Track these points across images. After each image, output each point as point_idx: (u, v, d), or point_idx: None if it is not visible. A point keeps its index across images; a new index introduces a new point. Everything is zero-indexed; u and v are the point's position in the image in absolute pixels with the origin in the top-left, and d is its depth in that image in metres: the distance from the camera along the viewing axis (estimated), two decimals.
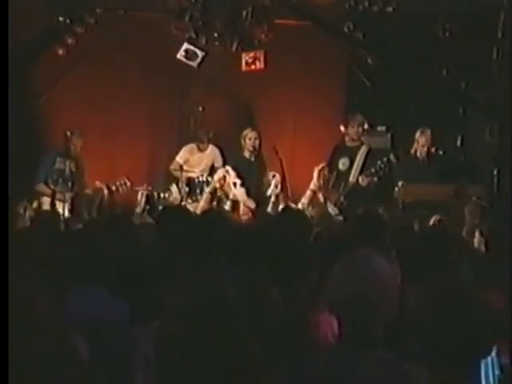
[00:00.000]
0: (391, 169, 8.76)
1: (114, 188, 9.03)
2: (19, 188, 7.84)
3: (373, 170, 8.60)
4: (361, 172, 8.80)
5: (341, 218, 8.39)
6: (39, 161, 9.32)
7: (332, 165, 9.03)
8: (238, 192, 9.11)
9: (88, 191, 9.12)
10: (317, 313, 3.34)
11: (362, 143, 9.05)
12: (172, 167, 9.64)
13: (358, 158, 8.89)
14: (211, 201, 9.12)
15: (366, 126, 9.21)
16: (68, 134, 9.20)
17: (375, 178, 8.59)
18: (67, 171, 9.22)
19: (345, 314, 2.51)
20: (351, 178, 8.79)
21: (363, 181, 8.68)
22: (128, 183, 9.07)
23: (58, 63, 9.71)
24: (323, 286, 2.69)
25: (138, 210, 8.93)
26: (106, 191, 9.03)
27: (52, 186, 9.04)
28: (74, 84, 9.74)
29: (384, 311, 2.50)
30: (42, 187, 9.10)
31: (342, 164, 8.99)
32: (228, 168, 9.20)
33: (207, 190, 9.10)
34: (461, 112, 8.70)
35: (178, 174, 9.48)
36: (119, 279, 3.83)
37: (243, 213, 8.94)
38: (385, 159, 8.55)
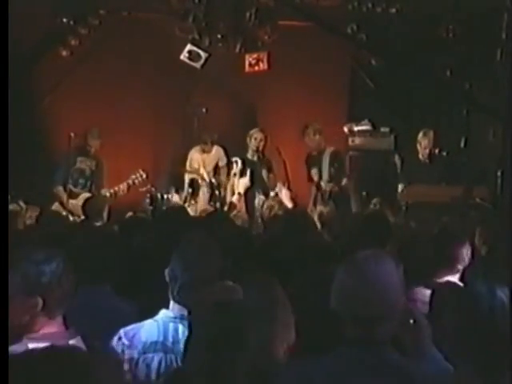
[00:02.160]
0: (395, 170, 8.78)
1: (130, 182, 9.05)
2: (20, 189, 7.86)
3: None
4: (330, 179, 8.88)
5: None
6: (57, 163, 9.35)
7: (309, 177, 9.14)
8: (242, 182, 9.17)
9: (105, 190, 9.14)
10: None
11: (325, 149, 9.10)
12: (188, 169, 9.64)
13: (323, 165, 8.94)
14: (210, 201, 9.18)
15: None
16: (72, 135, 9.21)
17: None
18: (88, 171, 9.27)
19: (350, 315, 2.49)
20: (324, 187, 8.86)
21: (333, 188, 8.81)
22: (144, 175, 9.10)
23: (62, 64, 9.73)
24: (327, 287, 2.68)
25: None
26: (124, 188, 9.04)
27: (71, 186, 9.09)
28: (77, 85, 9.76)
29: (390, 312, 2.48)
30: (59, 190, 9.10)
31: (314, 174, 9.06)
32: (236, 159, 9.26)
33: (206, 190, 9.17)
34: (464, 113, 8.67)
35: (194, 175, 9.49)
36: (122, 279, 3.83)
37: (238, 209, 8.97)
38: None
